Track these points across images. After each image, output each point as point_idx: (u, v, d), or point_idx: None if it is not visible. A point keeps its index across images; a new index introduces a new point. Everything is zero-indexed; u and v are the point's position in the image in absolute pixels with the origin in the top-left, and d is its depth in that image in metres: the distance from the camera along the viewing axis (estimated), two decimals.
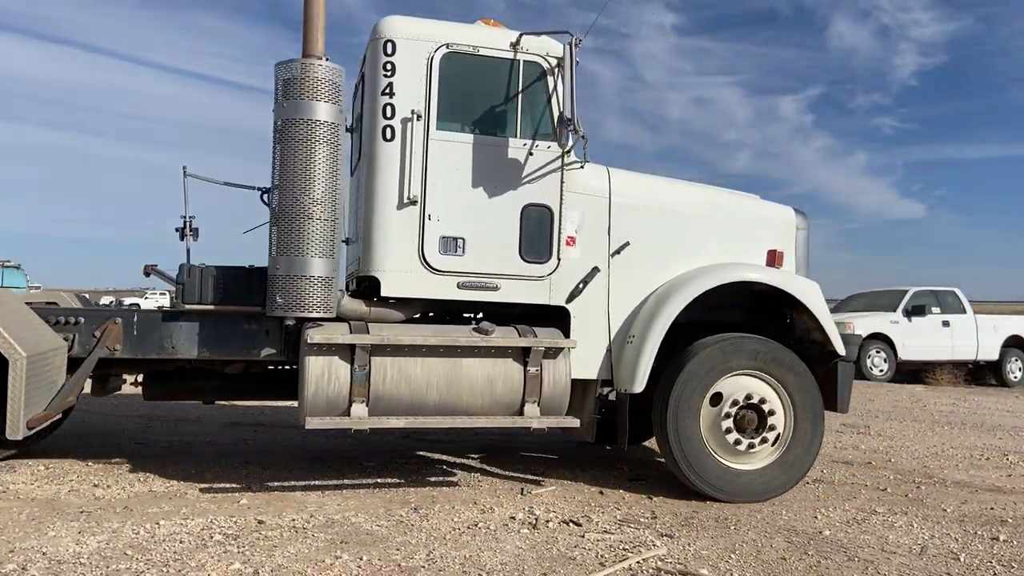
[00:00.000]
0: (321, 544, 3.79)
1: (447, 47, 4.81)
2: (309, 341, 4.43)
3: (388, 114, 4.73)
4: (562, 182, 4.94)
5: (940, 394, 13.81)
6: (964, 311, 17.30)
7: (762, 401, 4.90)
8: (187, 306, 4.77)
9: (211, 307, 4.79)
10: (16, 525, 3.95)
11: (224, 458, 5.81)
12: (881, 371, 16.21)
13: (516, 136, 4.91)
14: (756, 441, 4.90)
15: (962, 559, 3.87)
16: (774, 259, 5.35)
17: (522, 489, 5.07)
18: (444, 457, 6.10)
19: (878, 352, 16.27)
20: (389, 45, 4.76)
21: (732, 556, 3.80)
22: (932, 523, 4.55)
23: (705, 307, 5.15)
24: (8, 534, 3.80)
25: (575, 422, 4.79)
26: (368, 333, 4.53)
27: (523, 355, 4.70)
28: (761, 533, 4.22)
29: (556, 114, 4.83)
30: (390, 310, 4.87)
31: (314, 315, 4.55)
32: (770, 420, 4.91)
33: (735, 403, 4.87)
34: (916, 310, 16.77)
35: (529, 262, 4.88)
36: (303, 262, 4.51)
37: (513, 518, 4.36)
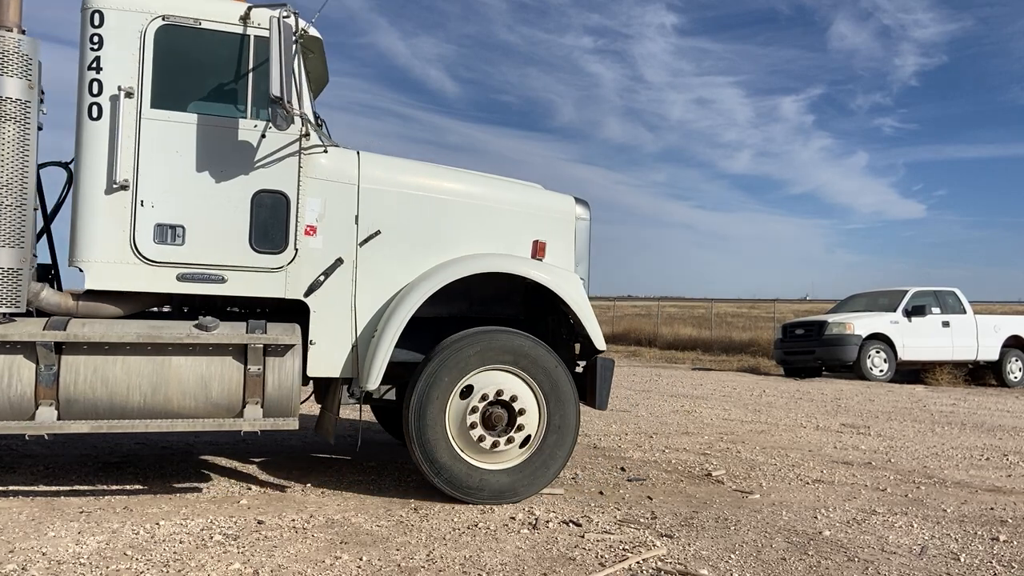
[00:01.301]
0: (321, 544, 3.79)
1: (163, 19, 4.44)
2: None
3: (95, 91, 4.35)
4: (300, 167, 4.59)
5: (940, 394, 13.82)
6: (964, 311, 17.32)
7: (513, 398, 4.66)
8: None
9: None
10: (16, 525, 3.95)
11: (224, 458, 5.81)
12: (881, 371, 16.22)
13: (247, 117, 4.55)
14: (505, 440, 4.64)
15: (962, 559, 3.87)
16: (537, 250, 5.03)
17: None
18: None
19: (878, 352, 16.29)
20: (96, 16, 4.36)
21: (732, 556, 3.80)
22: (932, 523, 4.55)
23: (479, 301, 5.03)
24: (8, 534, 3.80)
25: (293, 423, 4.45)
26: (63, 330, 4.15)
27: (244, 353, 4.37)
28: (761, 533, 4.22)
29: (274, 93, 4.24)
30: (104, 305, 4.46)
31: None
32: (520, 418, 4.67)
33: (483, 399, 4.62)
34: (916, 310, 16.79)
35: (261, 253, 4.52)
36: None
37: (513, 518, 4.36)
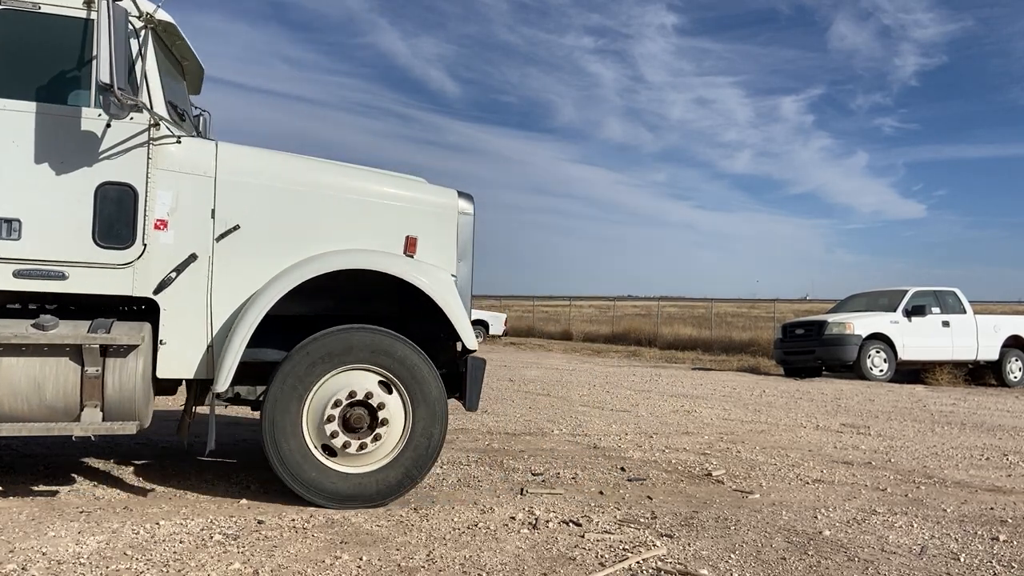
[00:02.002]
0: (321, 544, 3.79)
1: (0, 3, 4.24)
2: None
3: None
4: (149, 158, 4.34)
5: (940, 394, 13.82)
6: (964, 311, 17.34)
7: (376, 401, 4.45)
8: None
9: None
10: (16, 525, 3.95)
11: (224, 458, 5.81)
12: (881, 371, 16.23)
13: (91, 106, 4.31)
14: (360, 443, 4.43)
15: (962, 559, 3.87)
16: (408, 245, 4.82)
17: (522, 489, 5.07)
18: (444, 457, 6.10)
19: (878, 352, 16.30)
20: None
21: (732, 556, 3.80)
22: (932, 523, 4.56)
23: (353, 298, 4.87)
24: (8, 534, 3.80)
25: (132, 428, 4.22)
26: None
27: (81, 353, 4.16)
28: (761, 533, 4.22)
29: (102, 80, 3.97)
30: None
31: None
32: (383, 420, 4.45)
33: (343, 401, 4.42)
34: (916, 310, 16.81)
35: (106, 248, 4.28)
36: None
37: (513, 518, 4.36)
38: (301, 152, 5.00)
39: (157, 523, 4.03)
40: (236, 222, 4.52)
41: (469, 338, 4.73)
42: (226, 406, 4.84)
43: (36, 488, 4.74)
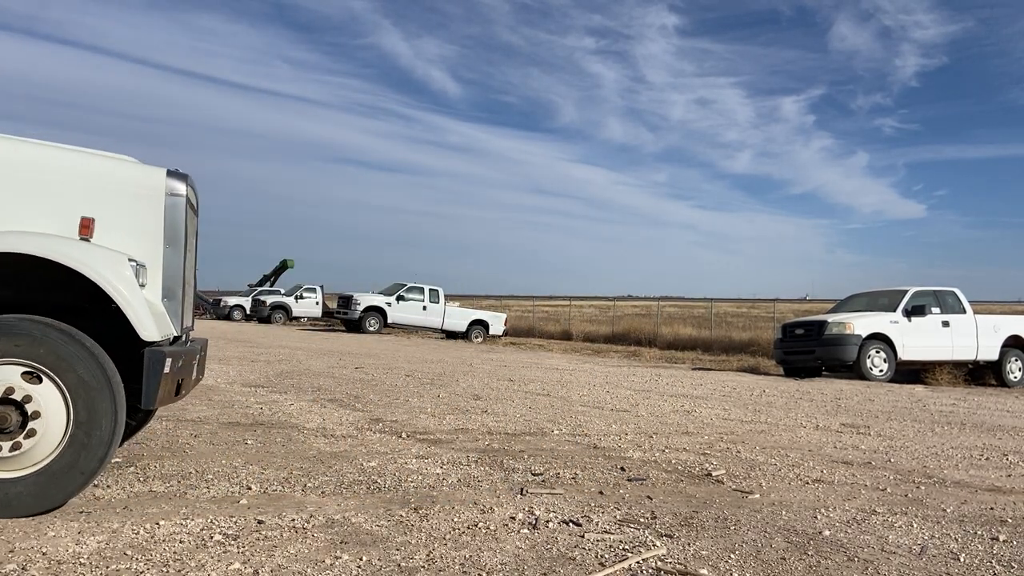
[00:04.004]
0: (321, 544, 3.79)
1: None
2: None
3: None
4: None
5: (940, 394, 13.83)
6: (964, 311, 17.38)
7: (25, 397, 3.99)
8: None
9: None
10: (16, 525, 3.95)
11: (224, 458, 5.81)
12: (881, 371, 16.24)
13: None
14: (19, 441, 3.97)
15: (962, 559, 3.88)
16: (82, 227, 4.37)
17: (522, 489, 5.08)
18: (444, 457, 6.11)
19: (878, 352, 16.32)
20: None
21: (732, 556, 3.80)
22: (932, 523, 4.56)
23: (29, 287, 4.49)
24: (8, 534, 3.80)
25: None
26: None
27: None
28: (761, 533, 4.22)
29: None
30: None
31: None
32: (33, 414, 3.98)
33: None
34: (916, 310, 16.84)
35: None
36: None
37: (513, 518, 4.36)
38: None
39: (157, 523, 4.03)
40: None
41: (141, 326, 4.19)
42: None
43: None
